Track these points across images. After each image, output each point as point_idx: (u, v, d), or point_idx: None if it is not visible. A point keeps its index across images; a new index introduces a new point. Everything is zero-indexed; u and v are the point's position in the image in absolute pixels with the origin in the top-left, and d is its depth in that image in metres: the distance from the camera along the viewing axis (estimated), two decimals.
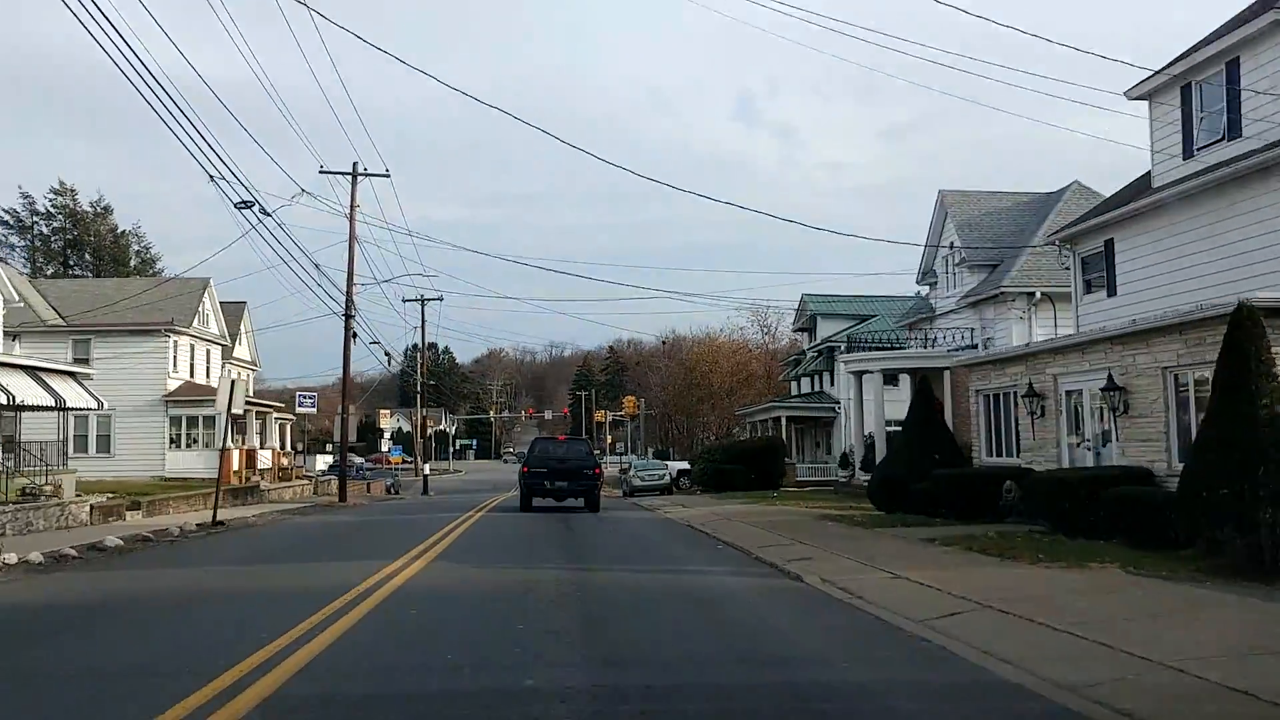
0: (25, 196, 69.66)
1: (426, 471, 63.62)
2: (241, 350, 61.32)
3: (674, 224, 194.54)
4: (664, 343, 74.92)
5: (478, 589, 12.65)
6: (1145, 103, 21.10)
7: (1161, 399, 16.47)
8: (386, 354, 48.58)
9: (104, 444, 44.10)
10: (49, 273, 65.84)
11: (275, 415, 57.77)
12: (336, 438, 44.63)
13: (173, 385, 44.99)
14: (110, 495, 28.40)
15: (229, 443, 43.47)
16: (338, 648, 8.59)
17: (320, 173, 38.83)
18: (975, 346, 33.11)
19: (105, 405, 44.51)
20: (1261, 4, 18.15)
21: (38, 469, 26.09)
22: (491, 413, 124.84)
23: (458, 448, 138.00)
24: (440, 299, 63.64)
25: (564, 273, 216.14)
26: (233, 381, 26.30)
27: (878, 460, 33.94)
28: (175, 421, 44.78)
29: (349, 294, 39.59)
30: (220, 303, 61.17)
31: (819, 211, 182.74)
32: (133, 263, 68.69)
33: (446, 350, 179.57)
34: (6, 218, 68.30)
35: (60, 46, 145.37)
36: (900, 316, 44.53)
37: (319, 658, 8.15)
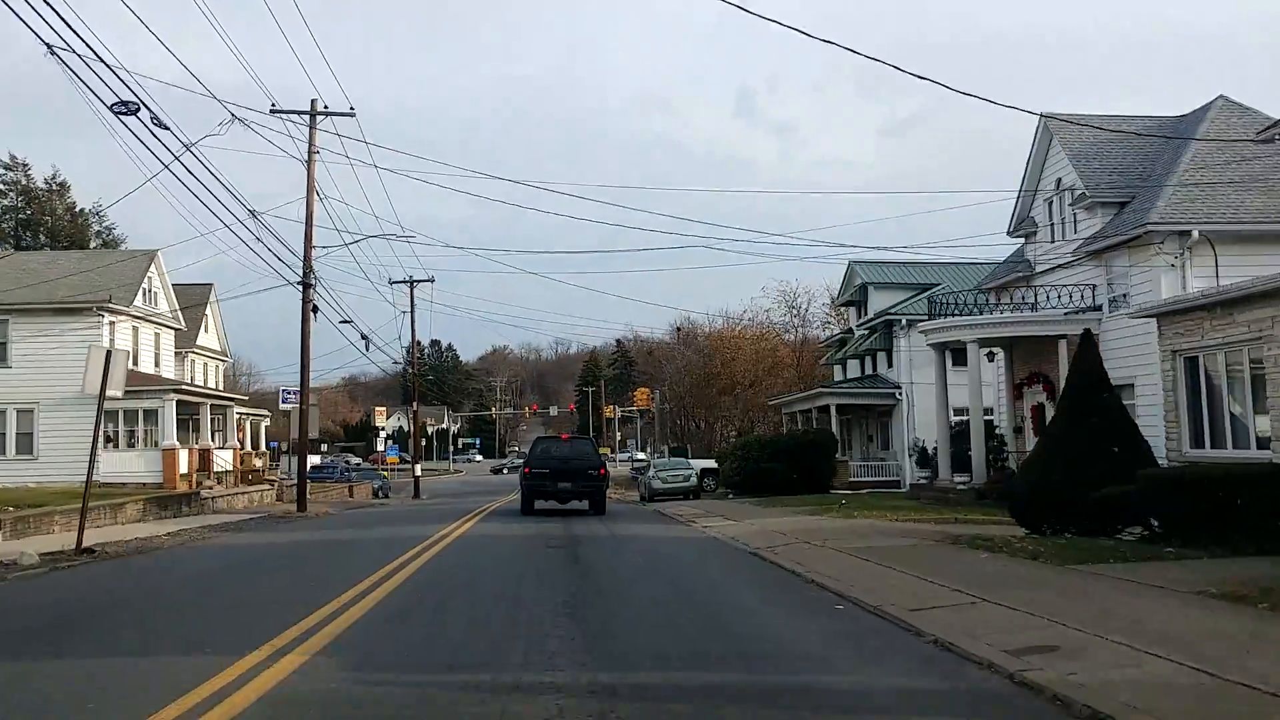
0: None
1: (418, 473, 55.98)
2: (208, 338, 53.74)
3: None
4: (679, 330, 67.19)
5: None
6: None
7: None
8: (363, 337, 40.92)
9: (25, 444, 36.43)
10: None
11: (240, 410, 50.19)
12: (294, 433, 36.85)
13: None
14: None
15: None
16: None
17: (272, 112, 31.21)
18: (1099, 308, 25.35)
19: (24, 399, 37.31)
20: None
21: None
22: (494, 410, 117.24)
23: (460, 447, 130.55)
24: (431, 280, 55.89)
25: (578, 252, 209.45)
26: (107, 354, 18.56)
27: (976, 456, 26.23)
28: (113, 417, 37.11)
29: (307, 256, 31.95)
30: (182, 285, 53.74)
31: (821, 210, 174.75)
32: (93, 245, 61.08)
33: (450, 348, 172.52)
34: None
35: None
36: (974, 284, 36.83)
37: None
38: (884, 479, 35.86)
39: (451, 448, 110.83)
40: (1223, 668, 6.79)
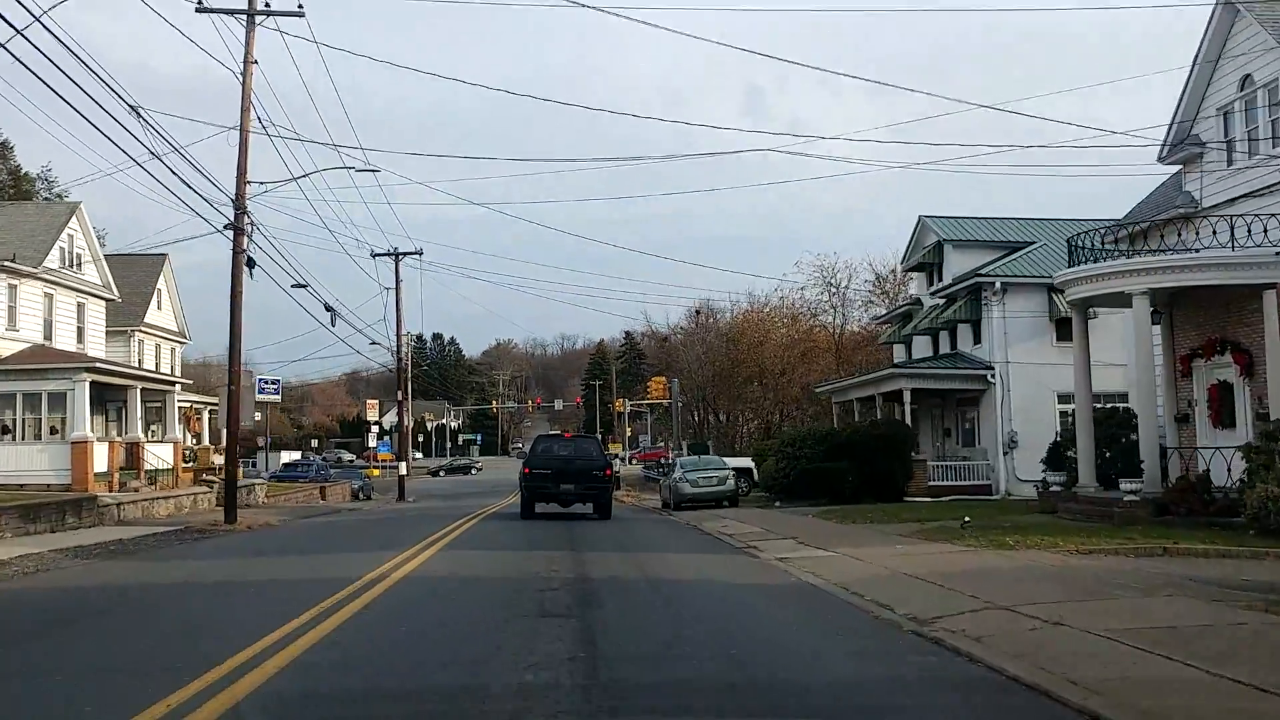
0: None
1: (403, 472, 48.41)
2: (160, 316, 46.16)
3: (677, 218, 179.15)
4: (697, 312, 59.43)
5: None
6: None
7: None
8: (328, 309, 33.19)
9: None
10: None
11: (191, 398, 42.80)
12: (224, 421, 29.28)
13: (8, 349, 29.85)
14: None
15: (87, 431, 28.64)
16: None
17: (197, 11, 23.70)
18: None
19: None
20: None
21: None
22: (495, 404, 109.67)
23: (460, 443, 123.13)
24: (419, 253, 48.18)
25: (584, 236, 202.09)
26: None
27: (1149, 456, 18.59)
28: (9, 401, 29.62)
29: (239, 193, 24.37)
30: (131, 254, 46.21)
31: (823, 207, 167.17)
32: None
33: (452, 341, 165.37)
34: None
35: None
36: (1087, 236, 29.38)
37: None
38: (968, 482, 28.23)
39: (447, 444, 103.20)
40: None
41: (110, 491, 27.76)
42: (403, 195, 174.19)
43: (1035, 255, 29.68)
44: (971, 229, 31.58)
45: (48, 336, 32.29)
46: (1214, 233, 19.59)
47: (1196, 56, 21.00)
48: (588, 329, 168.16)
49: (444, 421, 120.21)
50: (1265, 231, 18.11)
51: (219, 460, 46.00)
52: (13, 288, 30.48)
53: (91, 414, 29.56)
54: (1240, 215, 18.77)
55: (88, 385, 29.06)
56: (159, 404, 36.36)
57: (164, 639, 8.87)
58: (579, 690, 6.46)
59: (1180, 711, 5.95)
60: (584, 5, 30.46)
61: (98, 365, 30.28)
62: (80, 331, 34.54)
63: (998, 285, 28.20)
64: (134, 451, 32.08)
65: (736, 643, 8.36)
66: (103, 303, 36.39)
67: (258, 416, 48.74)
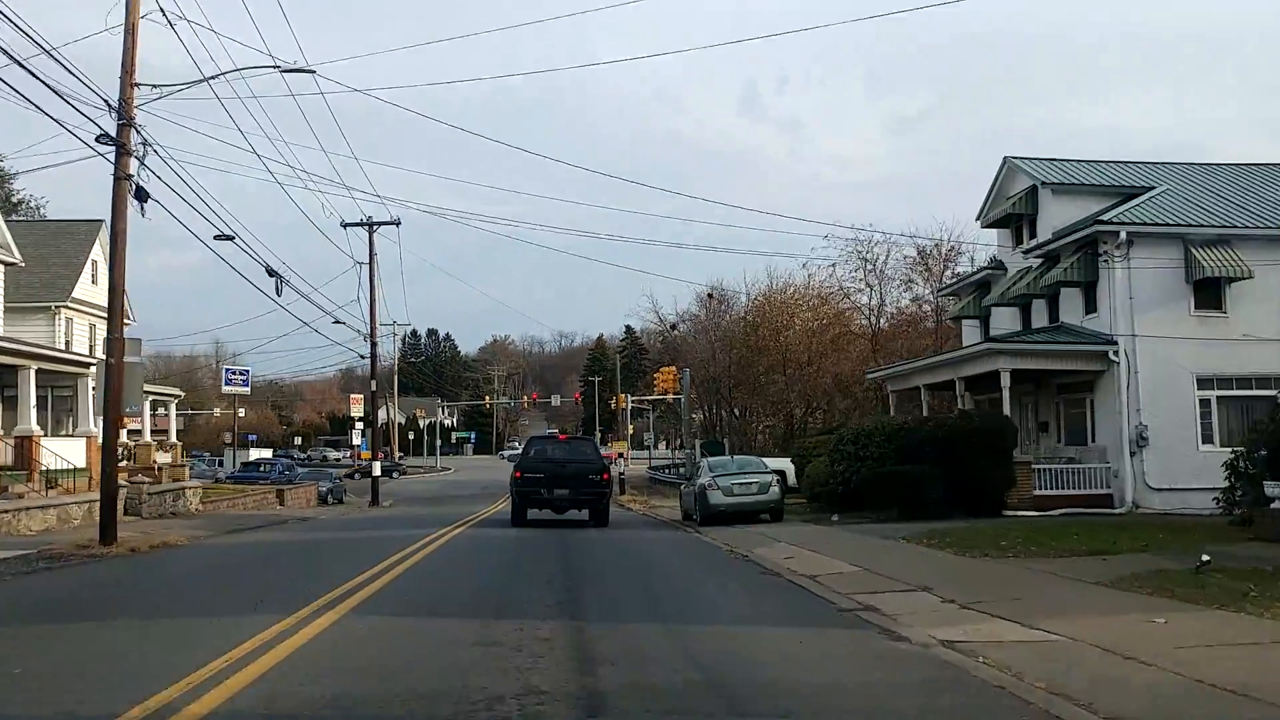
0: None
1: (376, 473, 41.65)
2: (96, 292, 39.42)
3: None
4: (710, 296, 52.66)
5: None
6: None
7: None
8: (271, 274, 26.28)
9: None
10: None
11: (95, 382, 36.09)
12: (93, 407, 22.39)
13: None
14: None
15: None
16: None
17: None
18: None
19: None
20: None
21: None
22: (487, 400, 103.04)
23: (454, 441, 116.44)
24: (397, 223, 41.41)
25: (581, 232, 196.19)
26: None
27: None
28: None
29: (124, 96, 17.68)
30: (58, 220, 39.63)
31: (825, 206, 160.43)
32: None
33: (448, 338, 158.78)
34: None
35: None
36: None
37: None
38: (1082, 491, 21.48)
39: (439, 441, 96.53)
40: None
41: None
42: (402, 195, 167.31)
43: (1162, 201, 22.96)
44: (1075, 171, 24.89)
45: None
46: None
47: None
48: (587, 326, 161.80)
49: (437, 418, 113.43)
50: None
51: (165, 459, 39.29)
52: None
53: None
54: None
55: None
56: (68, 391, 29.71)
57: None
58: None
59: None
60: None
61: None
62: None
63: (1123, 236, 21.42)
64: (25, 448, 25.45)
65: None
66: (2, 265, 29.71)
67: (139, 404, 41.54)
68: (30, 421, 25.86)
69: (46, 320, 36.14)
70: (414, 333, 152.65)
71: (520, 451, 26.83)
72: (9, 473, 24.34)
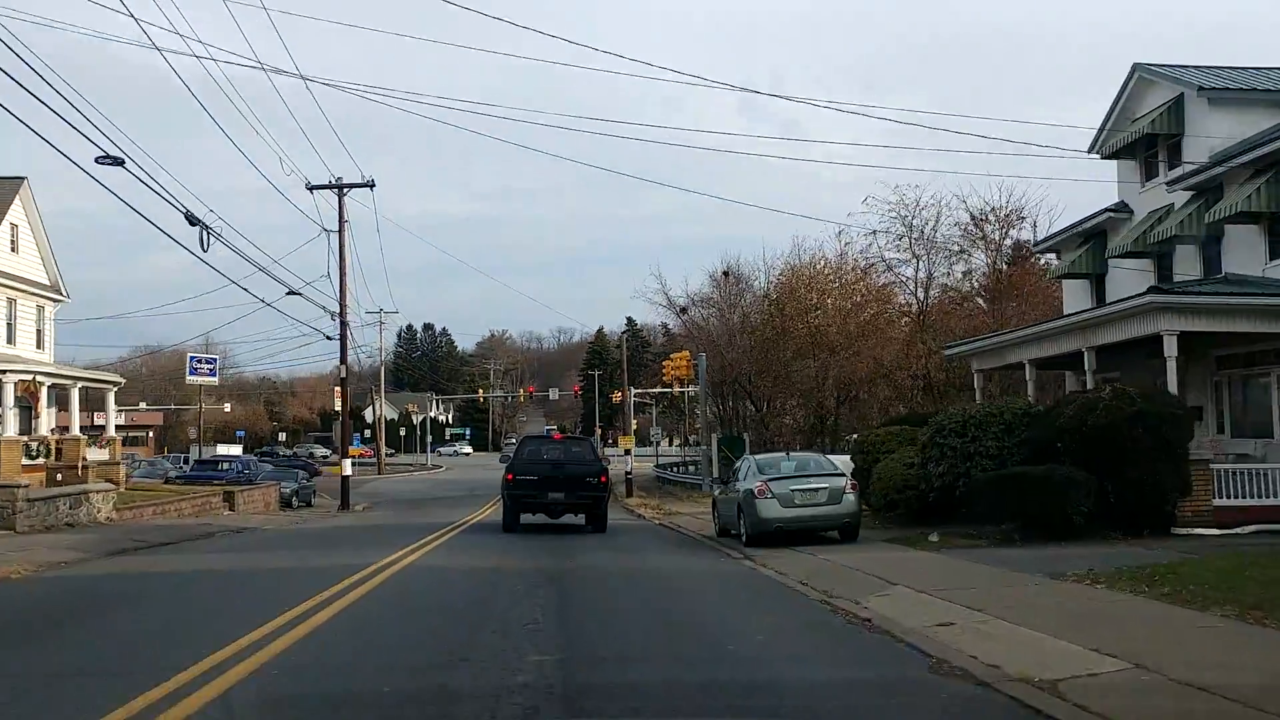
0: None
1: (347, 472, 35.51)
2: (18, 262, 33.31)
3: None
4: (725, 274, 46.48)
5: None
6: None
7: None
8: (191, 221, 20.16)
9: None
10: None
11: (55, 371, 30.23)
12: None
13: None
14: None
15: None
16: None
17: None
18: None
19: None
20: None
21: None
22: (481, 394, 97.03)
23: (448, 438, 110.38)
24: (371, 185, 35.43)
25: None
26: None
27: None
28: None
29: None
30: None
31: (823, 205, 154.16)
32: None
33: (444, 332, 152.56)
34: None
35: None
36: None
37: None
38: (1271, 500, 15.52)
39: (430, 438, 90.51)
40: None
41: None
42: (403, 193, 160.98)
43: None
44: (1241, 77, 18.80)
45: None
46: None
47: None
48: (585, 322, 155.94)
49: (430, 414, 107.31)
50: None
51: (97, 455, 33.25)
52: None
53: None
54: None
55: None
56: None
57: None
58: None
59: None
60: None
61: None
62: None
63: None
64: None
65: None
66: None
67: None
68: None
69: None
70: (409, 327, 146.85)
71: (514, 452, 25.75)
72: None
